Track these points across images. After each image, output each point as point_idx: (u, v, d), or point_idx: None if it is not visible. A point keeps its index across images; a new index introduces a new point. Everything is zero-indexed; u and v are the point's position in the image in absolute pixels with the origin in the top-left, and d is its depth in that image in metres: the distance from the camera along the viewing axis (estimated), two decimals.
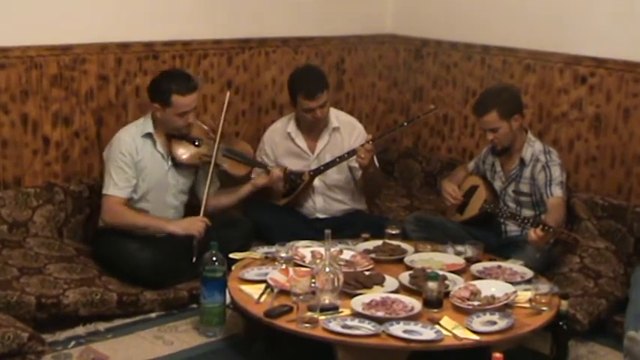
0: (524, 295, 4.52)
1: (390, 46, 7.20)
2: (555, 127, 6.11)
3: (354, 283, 4.59)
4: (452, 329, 4.17)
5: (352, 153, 5.68)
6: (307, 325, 4.21)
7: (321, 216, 5.93)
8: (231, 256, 5.00)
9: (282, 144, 5.92)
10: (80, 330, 4.87)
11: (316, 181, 5.87)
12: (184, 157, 5.43)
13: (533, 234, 4.98)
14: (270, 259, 5.02)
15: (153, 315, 5.13)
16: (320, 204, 5.93)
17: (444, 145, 6.90)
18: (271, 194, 5.86)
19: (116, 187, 5.25)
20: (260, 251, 5.15)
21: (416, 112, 6.97)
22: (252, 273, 4.82)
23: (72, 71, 5.59)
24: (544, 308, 4.44)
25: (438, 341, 4.09)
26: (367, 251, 5.13)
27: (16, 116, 5.41)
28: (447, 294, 4.50)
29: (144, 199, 5.37)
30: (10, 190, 5.38)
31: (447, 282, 4.61)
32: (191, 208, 5.58)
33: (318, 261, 4.68)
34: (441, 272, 4.61)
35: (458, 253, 5.11)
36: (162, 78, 5.38)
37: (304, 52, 6.71)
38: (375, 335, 4.12)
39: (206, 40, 6.16)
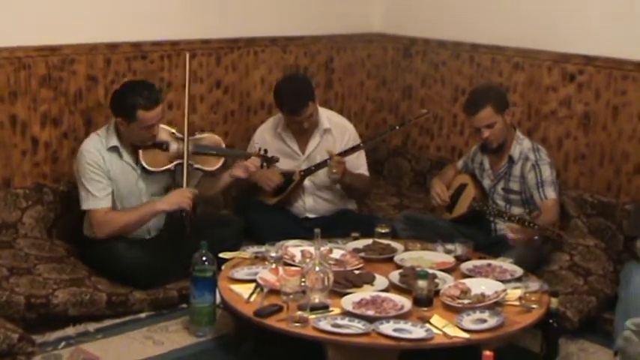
0: (514, 293, 4.53)
1: (379, 45, 7.21)
2: (544, 125, 6.12)
3: (344, 282, 4.60)
4: (442, 327, 4.18)
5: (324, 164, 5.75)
6: (297, 324, 4.21)
7: (310, 215, 5.93)
8: (221, 255, 4.99)
9: (273, 143, 5.91)
10: (70, 330, 4.87)
11: (306, 182, 5.87)
12: (156, 164, 5.32)
13: (512, 230, 5.05)
14: (260, 259, 5.02)
15: (143, 315, 5.12)
16: (310, 204, 5.94)
17: (433, 144, 6.91)
18: (262, 192, 5.86)
19: (96, 199, 5.18)
20: (250, 251, 5.15)
21: (405, 112, 6.99)
22: (242, 272, 4.82)
23: (60, 72, 5.58)
24: (534, 306, 4.45)
25: (428, 340, 4.09)
26: (357, 250, 5.13)
27: (5, 117, 5.40)
28: (436, 292, 4.50)
29: (116, 208, 5.29)
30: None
31: (436, 280, 4.61)
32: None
33: (308, 260, 4.67)
34: (430, 271, 4.61)
35: (448, 252, 5.12)
36: (127, 91, 5.19)
37: (293, 52, 6.71)
38: (366, 334, 4.12)
39: (194, 39, 6.15)
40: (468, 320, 4.26)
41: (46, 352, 4.63)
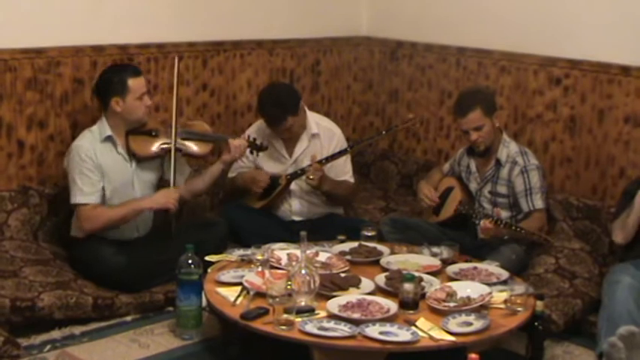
0: (499, 296, 4.53)
1: (365, 48, 7.21)
2: (530, 128, 6.14)
3: (330, 285, 4.60)
4: (428, 330, 4.18)
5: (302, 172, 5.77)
6: (283, 327, 4.20)
7: (297, 218, 5.93)
8: (207, 258, 4.98)
9: None
10: (56, 334, 4.85)
11: (293, 185, 5.87)
12: (145, 150, 5.40)
13: (483, 224, 5.12)
14: (247, 262, 5.01)
15: (128, 318, 5.11)
16: (296, 207, 5.93)
17: (419, 147, 6.91)
18: (247, 195, 5.87)
19: (84, 194, 5.20)
20: (236, 254, 5.14)
21: (392, 115, 7.00)
22: (228, 275, 4.81)
23: (46, 74, 5.57)
24: (519, 309, 4.45)
25: (414, 342, 4.09)
26: (343, 253, 5.13)
27: None
28: (422, 295, 4.50)
29: (110, 202, 5.32)
30: None
31: (422, 283, 4.61)
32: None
33: (294, 263, 4.68)
34: (416, 274, 4.61)
35: (434, 255, 5.12)
36: (110, 71, 5.41)
37: (279, 55, 6.71)
38: (351, 337, 4.12)
39: (180, 42, 6.15)
40: (454, 323, 4.26)
41: (32, 355, 4.61)
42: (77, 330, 4.91)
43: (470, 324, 4.25)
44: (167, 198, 5.29)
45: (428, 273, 4.84)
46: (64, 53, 5.63)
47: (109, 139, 5.31)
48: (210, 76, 6.33)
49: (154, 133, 5.44)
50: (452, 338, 4.14)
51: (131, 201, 5.33)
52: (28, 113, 5.53)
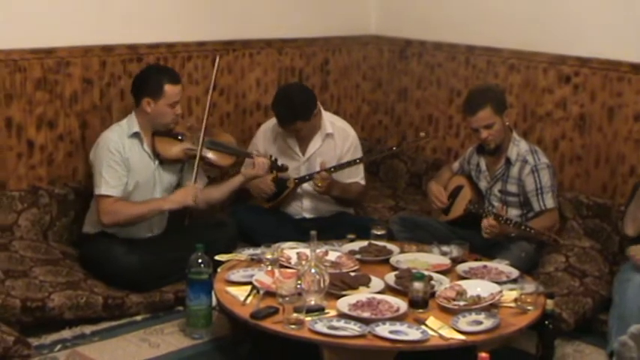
0: (509, 294, 4.52)
1: (374, 47, 7.21)
2: (540, 126, 6.13)
3: (340, 284, 4.59)
4: (438, 329, 4.17)
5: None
6: (293, 326, 4.20)
7: (308, 215, 5.95)
8: (216, 257, 4.98)
9: (274, 142, 5.94)
10: (66, 333, 4.86)
11: (304, 184, 5.88)
12: (169, 152, 5.43)
13: (485, 222, 5.14)
14: (256, 261, 5.01)
15: (139, 318, 5.12)
16: (307, 204, 5.95)
17: (428, 146, 6.90)
18: (257, 196, 5.88)
19: (109, 186, 5.23)
20: (246, 253, 5.14)
21: (401, 114, 7.01)
22: (237, 275, 4.81)
23: (56, 74, 5.57)
24: (530, 308, 4.45)
25: (424, 341, 4.09)
26: (353, 252, 5.12)
27: (0, 120, 5.39)
28: (432, 294, 4.49)
29: (131, 197, 5.34)
30: None
31: (432, 282, 4.60)
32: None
33: (303, 262, 4.67)
34: (426, 272, 4.60)
35: (443, 254, 5.11)
36: (150, 71, 5.47)
37: (288, 54, 6.71)
38: (361, 336, 4.12)
39: (190, 42, 6.15)
40: (464, 322, 4.25)
41: (42, 354, 4.62)
42: (87, 329, 4.92)
43: (480, 323, 4.25)
44: (186, 194, 5.33)
45: (438, 272, 4.84)
46: (74, 53, 5.64)
47: (136, 135, 5.36)
48: (220, 75, 6.31)
49: (180, 137, 5.47)
50: (462, 337, 4.14)
51: (152, 200, 5.37)
52: (38, 113, 5.54)
